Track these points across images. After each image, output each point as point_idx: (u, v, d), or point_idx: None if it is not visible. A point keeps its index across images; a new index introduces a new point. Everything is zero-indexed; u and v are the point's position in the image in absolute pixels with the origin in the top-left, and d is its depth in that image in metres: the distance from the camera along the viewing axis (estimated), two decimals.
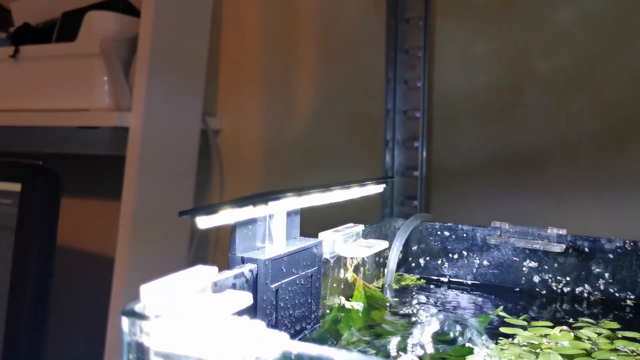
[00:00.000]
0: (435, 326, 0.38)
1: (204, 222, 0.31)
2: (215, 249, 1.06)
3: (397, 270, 0.57)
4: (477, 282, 0.55)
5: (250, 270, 0.35)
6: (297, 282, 0.39)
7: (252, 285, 0.35)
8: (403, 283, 0.55)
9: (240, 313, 0.35)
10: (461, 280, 0.55)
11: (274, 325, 0.37)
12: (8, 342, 0.83)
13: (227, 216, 0.31)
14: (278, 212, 0.38)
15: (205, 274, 0.30)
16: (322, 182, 0.96)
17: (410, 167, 0.88)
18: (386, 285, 0.53)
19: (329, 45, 0.96)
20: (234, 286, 0.33)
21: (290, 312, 0.38)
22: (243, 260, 0.35)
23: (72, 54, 0.91)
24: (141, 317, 0.25)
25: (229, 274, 0.33)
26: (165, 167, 0.93)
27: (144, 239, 0.89)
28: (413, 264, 0.57)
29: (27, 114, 0.94)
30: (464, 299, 0.51)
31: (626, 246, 0.50)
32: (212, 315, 0.24)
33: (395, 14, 0.86)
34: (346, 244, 0.46)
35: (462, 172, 0.88)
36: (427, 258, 0.57)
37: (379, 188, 0.46)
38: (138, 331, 0.25)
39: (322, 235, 0.44)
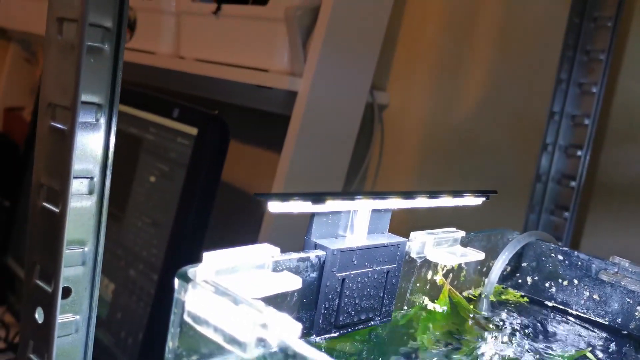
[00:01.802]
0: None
1: (274, 207, 0.34)
2: None
3: (503, 283, 0.56)
4: (582, 315, 0.52)
5: (318, 257, 0.38)
6: (370, 275, 0.41)
7: (318, 270, 0.38)
8: (503, 297, 0.54)
9: (304, 293, 0.38)
10: (565, 309, 0.53)
11: (336, 310, 0.39)
12: (168, 259, 0.96)
13: (297, 206, 0.34)
14: (361, 208, 0.40)
15: (266, 252, 0.34)
16: (475, 174, 0.94)
17: (567, 175, 0.83)
18: (483, 296, 0.53)
19: (505, 36, 0.92)
20: (297, 268, 0.36)
21: (357, 302, 0.41)
22: (315, 246, 0.38)
23: (261, 16, 0.99)
24: (186, 280, 0.29)
25: (294, 256, 0.36)
26: (326, 134, 0.98)
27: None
28: (520, 280, 0.56)
29: (214, 66, 1.05)
30: (561, 330, 0.49)
31: None
32: (241, 295, 0.27)
33: (581, 11, 0.80)
34: (438, 247, 0.46)
35: (628, 192, 0.81)
36: (536, 278, 0.55)
37: (477, 201, 0.46)
38: (182, 291, 0.29)
39: (414, 234, 0.45)
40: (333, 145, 1.00)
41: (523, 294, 0.55)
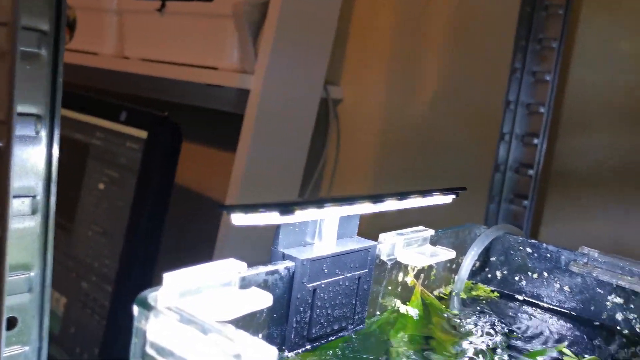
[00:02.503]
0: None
1: (239, 219, 0.32)
2: None
3: (473, 278, 0.55)
4: (553, 307, 0.51)
5: (287, 268, 0.35)
6: (341, 283, 0.39)
7: (288, 282, 0.36)
8: (474, 293, 0.53)
9: (274, 308, 0.36)
10: (537, 302, 0.52)
11: (308, 322, 0.37)
12: (122, 269, 0.92)
13: (263, 219, 0.32)
14: (330, 216, 0.38)
15: (233, 268, 0.31)
16: (435, 167, 0.93)
17: (525, 164, 0.83)
18: (453, 294, 0.52)
19: (458, 27, 0.91)
20: (265, 282, 0.34)
21: (329, 312, 0.39)
22: (284, 256, 0.36)
23: (208, 13, 0.96)
24: (147, 307, 0.26)
25: (262, 269, 0.34)
26: (281, 132, 0.96)
27: (252, 193, 0.93)
28: (489, 275, 0.55)
29: (161, 66, 1.01)
30: (534, 324, 0.48)
31: None
32: (208, 320, 0.25)
33: (533, 0, 0.80)
34: (408, 248, 0.45)
35: (587, 177, 0.82)
36: (505, 272, 0.54)
37: (446, 199, 0.44)
38: (143, 319, 0.27)
39: (383, 236, 0.44)
40: (289, 142, 0.98)
41: (493, 288, 0.54)
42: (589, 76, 0.81)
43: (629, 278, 0.46)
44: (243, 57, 0.94)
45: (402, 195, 0.39)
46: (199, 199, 1.09)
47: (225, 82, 0.95)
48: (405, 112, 0.99)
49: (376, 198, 0.37)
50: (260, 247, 0.97)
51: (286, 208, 0.31)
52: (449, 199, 0.44)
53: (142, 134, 0.90)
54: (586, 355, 0.43)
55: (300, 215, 0.32)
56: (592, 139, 0.81)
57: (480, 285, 0.55)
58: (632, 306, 0.48)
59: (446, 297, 0.51)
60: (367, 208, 0.37)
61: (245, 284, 0.33)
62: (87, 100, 1.04)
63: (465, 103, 0.90)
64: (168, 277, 0.29)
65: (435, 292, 0.51)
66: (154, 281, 0.92)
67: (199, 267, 0.31)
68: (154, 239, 0.93)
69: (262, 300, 0.31)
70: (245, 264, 0.32)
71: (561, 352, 0.43)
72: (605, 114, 0.80)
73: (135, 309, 0.27)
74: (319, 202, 0.33)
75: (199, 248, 1.04)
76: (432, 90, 0.95)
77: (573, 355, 0.43)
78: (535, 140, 0.82)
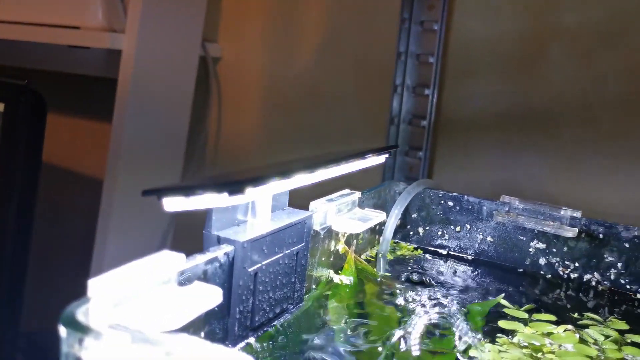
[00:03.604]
0: (422, 323, 0.35)
1: (171, 204, 0.26)
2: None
3: (394, 237, 0.53)
4: (478, 258, 0.51)
5: (226, 254, 0.31)
6: (281, 261, 0.35)
7: (228, 269, 0.31)
8: (399, 252, 0.52)
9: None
10: (461, 255, 0.51)
11: (251, 310, 0.33)
12: None
13: (203, 202, 0.27)
14: (262, 193, 0.33)
15: (170, 262, 0.26)
16: (326, 123, 0.90)
17: (418, 115, 0.82)
18: (380, 255, 0.50)
19: None
20: (205, 273, 0.29)
21: (270, 295, 0.34)
22: (219, 240, 0.31)
23: None
24: (81, 329, 0.21)
25: (200, 259, 0.29)
26: (160, 94, 0.88)
27: (134, 164, 0.85)
28: (411, 232, 0.53)
29: (11, 26, 0.88)
30: (462, 278, 0.48)
31: None
32: (169, 337, 0.20)
33: None
34: (340, 214, 0.42)
35: (473, 125, 0.83)
36: (427, 227, 0.53)
37: (380, 159, 0.41)
38: (76, 344, 0.21)
39: (314, 205, 0.40)
40: (170, 106, 0.90)
41: (416, 245, 0.53)
42: (472, 25, 0.82)
43: (552, 223, 0.46)
44: (110, 13, 0.84)
45: (340, 160, 0.35)
46: (73, 176, 0.98)
47: (91, 43, 0.84)
48: (290, 68, 0.94)
49: (314, 167, 0.33)
50: (147, 225, 0.90)
51: (235, 187, 0.26)
52: (382, 158, 0.41)
53: None
54: (516, 304, 0.43)
55: (251, 194, 0.27)
56: (478, 87, 0.82)
57: (402, 243, 0.53)
58: (554, 250, 0.48)
59: (373, 260, 0.49)
60: (307, 179, 0.33)
61: (185, 279, 0.28)
62: None
63: (355, 57, 0.88)
64: (94, 284, 0.23)
65: (363, 256, 0.49)
66: (28, 273, 0.82)
67: (129, 267, 0.25)
68: (24, 225, 0.82)
69: (212, 296, 0.26)
70: (183, 255, 0.27)
71: (499, 304, 0.43)
72: (489, 62, 0.81)
73: (63, 331, 0.21)
74: (265, 177, 0.28)
75: (77, 231, 0.94)
76: (317, 44, 0.91)
77: (511, 306, 0.43)
78: (427, 91, 0.81)
